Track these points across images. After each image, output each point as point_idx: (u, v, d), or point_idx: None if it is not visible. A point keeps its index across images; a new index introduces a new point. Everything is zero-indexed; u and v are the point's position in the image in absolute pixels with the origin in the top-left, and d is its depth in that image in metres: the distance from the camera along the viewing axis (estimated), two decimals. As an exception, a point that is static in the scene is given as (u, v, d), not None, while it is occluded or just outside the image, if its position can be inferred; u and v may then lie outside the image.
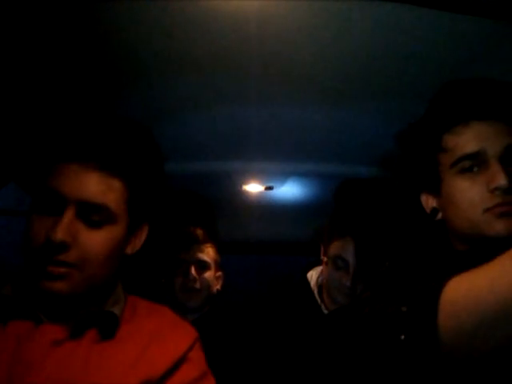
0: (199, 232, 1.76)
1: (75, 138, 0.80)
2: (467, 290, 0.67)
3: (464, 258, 0.88)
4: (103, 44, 1.06)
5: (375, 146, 1.54)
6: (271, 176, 1.83)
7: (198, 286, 1.66)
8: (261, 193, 1.97)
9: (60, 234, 0.74)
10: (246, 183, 1.88)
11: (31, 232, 0.77)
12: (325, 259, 1.62)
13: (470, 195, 0.86)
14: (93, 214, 0.78)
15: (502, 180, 0.82)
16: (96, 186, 0.77)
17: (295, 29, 1.00)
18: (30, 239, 0.77)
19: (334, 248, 1.58)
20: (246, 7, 0.95)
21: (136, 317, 0.86)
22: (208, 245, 1.76)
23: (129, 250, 0.87)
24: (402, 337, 0.73)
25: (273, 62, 1.12)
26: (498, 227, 0.83)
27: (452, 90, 0.92)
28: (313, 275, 1.72)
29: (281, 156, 1.65)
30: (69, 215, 0.76)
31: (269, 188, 1.92)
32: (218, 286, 1.78)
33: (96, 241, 0.78)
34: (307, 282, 1.70)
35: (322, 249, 1.66)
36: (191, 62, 1.12)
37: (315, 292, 1.65)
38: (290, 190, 1.96)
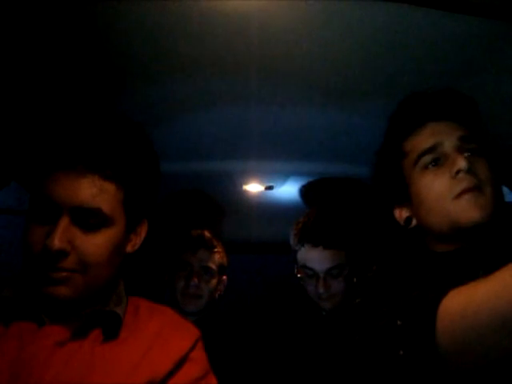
0: (207, 235, 1.71)
1: (63, 144, 0.80)
2: (466, 304, 0.65)
3: (443, 260, 0.88)
4: (102, 44, 1.06)
5: (375, 146, 1.54)
6: (271, 176, 1.82)
7: (199, 292, 1.61)
8: (261, 193, 1.96)
9: (57, 242, 0.74)
10: (246, 183, 1.87)
11: (29, 241, 0.77)
12: (296, 267, 1.60)
13: (435, 187, 0.88)
14: (88, 219, 0.77)
15: (462, 162, 0.84)
16: (88, 191, 0.77)
17: (296, 29, 1.00)
18: (29, 248, 0.77)
19: (299, 257, 1.56)
20: (247, 7, 0.95)
21: (138, 317, 0.86)
22: (215, 249, 1.70)
23: (129, 248, 0.87)
24: (401, 352, 0.72)
25: (273, 62, 1.12)
26: (471, 214, 0.83)
27: (406, 102, 0.98)
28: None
29: (281, 156, 1.65)
30: (64, 222, 0.76)
31: (269, 188, 1.92)
32: (220, 291, 1.72)
33: (94, 244, 0.78)
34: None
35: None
36: (191, 62, 1.12)
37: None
38: (290, 190, 1.96)
